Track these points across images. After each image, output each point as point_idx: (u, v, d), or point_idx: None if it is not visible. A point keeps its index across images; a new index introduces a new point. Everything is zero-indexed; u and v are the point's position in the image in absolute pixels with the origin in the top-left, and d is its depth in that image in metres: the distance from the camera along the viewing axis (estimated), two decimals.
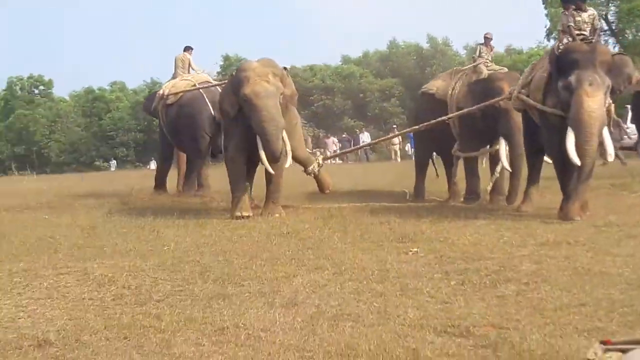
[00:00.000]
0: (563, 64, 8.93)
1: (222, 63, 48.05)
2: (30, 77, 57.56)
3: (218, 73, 40.09)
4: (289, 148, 10.05)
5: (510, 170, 10.36)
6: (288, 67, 11.31)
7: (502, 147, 10.42)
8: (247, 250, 7.33)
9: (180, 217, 9.74)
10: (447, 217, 9.22)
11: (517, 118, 10.26)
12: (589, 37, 9.38)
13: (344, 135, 37.81)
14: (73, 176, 26.44)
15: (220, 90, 12.03)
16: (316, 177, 11.58)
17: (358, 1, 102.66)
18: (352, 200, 11.57)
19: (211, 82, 14.09)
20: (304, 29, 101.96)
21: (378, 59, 51.79)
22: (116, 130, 51.70)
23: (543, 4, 36.20)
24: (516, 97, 9.73)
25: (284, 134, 10.01)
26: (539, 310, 4.85)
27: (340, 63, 52.55)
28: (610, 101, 9.11)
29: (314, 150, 17.90)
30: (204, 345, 4.36)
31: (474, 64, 11.62)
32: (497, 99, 10.36)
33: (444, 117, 11.08)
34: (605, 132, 8.77)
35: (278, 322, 4.72)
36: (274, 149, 9.84)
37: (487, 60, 11.61)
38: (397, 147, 33.61)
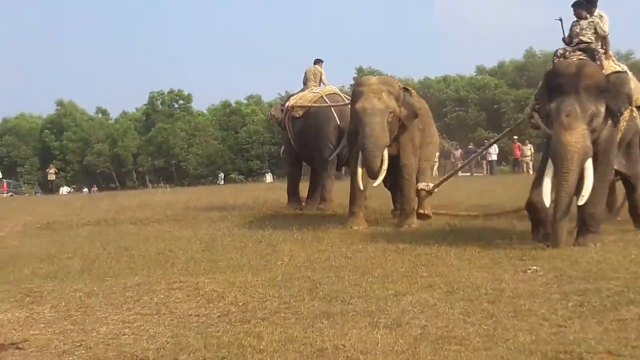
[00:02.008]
0: (551, 86, 8.30)
1: (355, 75, 48.15)
2: (170, 92, 59.71)
3: (351, 86, 40.15)
4: (385, 166, 9.98)
5: None
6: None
7: None
8: (360, 266, 7.20)
9: (298, 231, 9.72)
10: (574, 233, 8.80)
11: None
12: (590, 44, 8.74)
13: (470, 147, 36.85)
14: (204, 189, 26.94)
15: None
16: (419, 199, 11.21)
17: (494, 10, 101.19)
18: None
19: (339, 94, 13.97)
20: (439, 40, 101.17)
21: (514, 69, 50.77)
22: (251, 143, 52.85)
23: None
24: (529, 115, 9.13)
25: (385, 152, 9.98)
26: None
27: (474, 73, 51.90)
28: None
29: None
30: None
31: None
32: (518, 121, 9.85)
33: None
34: (588, 165, 7.96)
35: (380, 344, 4.52)
36: (370, 165, 9.98)
37: None
38: (528, 160, 31.14)
